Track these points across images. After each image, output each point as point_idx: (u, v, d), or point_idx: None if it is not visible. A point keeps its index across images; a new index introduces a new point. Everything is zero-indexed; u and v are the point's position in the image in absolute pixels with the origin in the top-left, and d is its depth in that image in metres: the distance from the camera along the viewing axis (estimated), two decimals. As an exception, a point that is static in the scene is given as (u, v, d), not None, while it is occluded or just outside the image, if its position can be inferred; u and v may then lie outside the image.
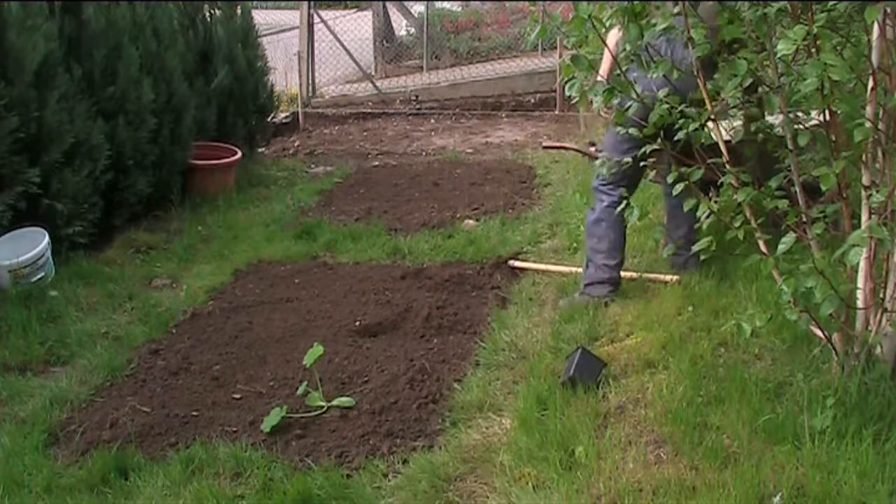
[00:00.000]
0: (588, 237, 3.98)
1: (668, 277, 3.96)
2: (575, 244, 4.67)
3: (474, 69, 11.73)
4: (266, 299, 4.42)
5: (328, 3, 13.95)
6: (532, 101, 10.33)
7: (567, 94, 2.80)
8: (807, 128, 2.66)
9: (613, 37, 3.25)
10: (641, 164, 3.32)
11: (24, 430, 3.13)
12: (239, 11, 7.41)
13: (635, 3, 2.61)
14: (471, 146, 8.43)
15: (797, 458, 2.42)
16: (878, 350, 2.66)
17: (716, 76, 2.81)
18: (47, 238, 4.59)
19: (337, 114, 10.06)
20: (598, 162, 3.15)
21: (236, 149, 6.67)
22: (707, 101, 2.70)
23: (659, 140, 2.84)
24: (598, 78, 3.46)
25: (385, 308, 4.11)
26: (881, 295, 2.63)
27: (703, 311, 3.48)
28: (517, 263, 4.52)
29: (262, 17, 9.28)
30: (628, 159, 3.25)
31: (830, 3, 2.63)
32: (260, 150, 7.93)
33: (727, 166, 2.71)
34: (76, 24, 5.21)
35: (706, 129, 2.74)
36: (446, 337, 3.77)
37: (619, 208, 3.41)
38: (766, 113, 2.86)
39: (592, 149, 6.12)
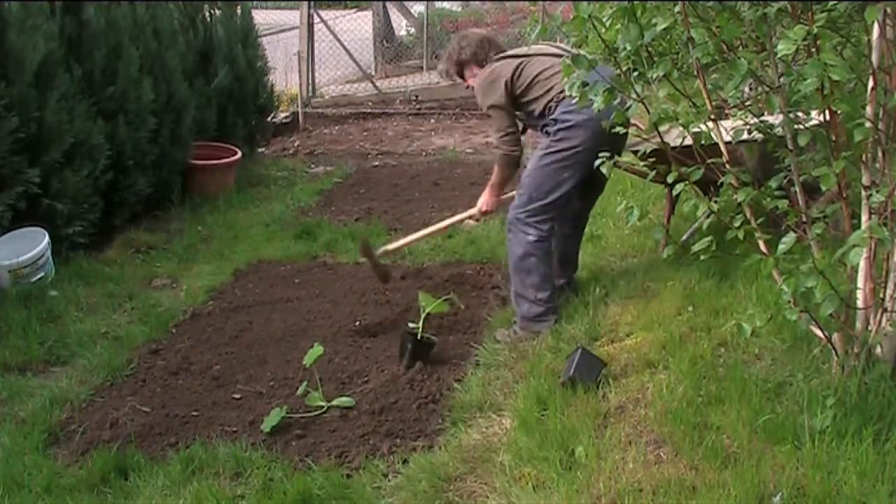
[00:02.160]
0: (515, 273, 3.75)
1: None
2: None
3: (474, 69, 11.72)
4: (266, 299, 4.42)
5: (328, 3, 13.96)
6: (532, 100, 10.32)
7: (567, 93, 2.79)
8: (807, 128, 2.66)
9: None
10: (646, 166, 3.31)
11: (24, 430, 3.13)
12: (239, 11, 7.42)
13: (635, 3, 2.61)
14: (471, 146, 8.43)
15: (797, 458, 2.42)
16: (878, 350, 2.65)
17: (715, 76, 2.81)
18: (47, 238, 4.59)
19: (337, 114, 10.07)
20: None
21: (236, 149, 6.67)
22: (707, 101, 2.70)
23: (659, 140, 2.84)
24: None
25: (385, 308, 4.11)
26: (881, 295, 2.63)
27: (703, 311, 3.48)
28: None
29: (262, 17, 9.28)
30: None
31: (830, 3, 2.63)
32: (260, 150, 7.93)
33: (727, 166, 2.71)
34: (76, 24, 5.21)
35: (706, 129, 2.73)
36: (446, 337, 3.77)
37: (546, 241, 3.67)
38: (766, 113, 2.86)
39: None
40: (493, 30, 13.29)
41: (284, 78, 9.85)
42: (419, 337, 3.51)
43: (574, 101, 3.39)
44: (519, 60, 3.77)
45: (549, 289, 3.72)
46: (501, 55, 3.88)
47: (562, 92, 3.53)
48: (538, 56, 3.77)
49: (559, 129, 3.62)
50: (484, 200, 4.10)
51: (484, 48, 3.95)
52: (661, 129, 2.76)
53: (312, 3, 10.22)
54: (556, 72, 3.64)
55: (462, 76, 4.06)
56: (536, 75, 3.70)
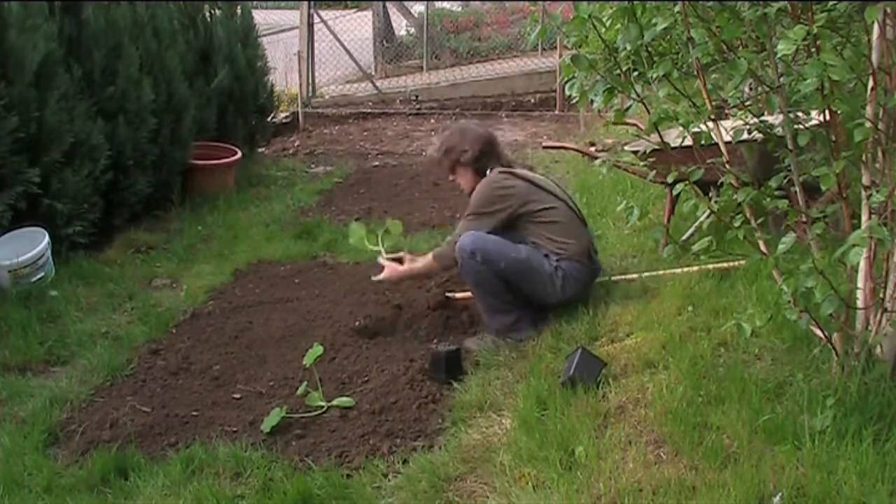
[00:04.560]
0: (486, 294, 3.71)
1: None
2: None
3: (474, 69, 11.75)
4: (266, 299, 4.43)
5: (328, 3, 13.97)
6: (532, 101, 10.36)
7: (567, 93, 2.79)
8: (807, 128, 2.66)
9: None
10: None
11: (24, 430, 3.13)
12: (239, 11, 7.42)
13: (635, 3, 2.61)
14: (471, 146, 8.42)
15: (797, 458, 2.42)
16: (878, 350, 2.65)
17: (715, 76, 2.81)
18: (47, 238, 4.59)
19: (337, 114, 10.08)
20: (597, 162, 3.15)
21: (236, 149, 6.67)
22: (707, 101, 2.70)
23: (659, 140, 2.84)
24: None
25: (385, 308, 4.10)
26: (881, 295, 2.62)
27: (703, 311, 3.48)
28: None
29: (262, 17, 9.29)
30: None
31: (830, 3, 2.63)
32: (260, 150, 7.93)
33: (727, 166, 2.71)
34: (76, 24, 5.21)
35: (706, 129, 2.74)
36: (447, 336, 3.77)
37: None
38: (766, 113, 2.87)
39: (592, 149, 6.14)
40: (493, 30, 13.32)
41: (284, 78, 9.86)
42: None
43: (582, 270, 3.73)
44: (540, 195, 3.75)
45: (510, 301, 3.69)
46: (514, 174, 3.82)
47: (577, 255, 3.71)
48: (560, 203, 3.78)
49: (565, 276, 3.69)
50: (396, 273, 3.90)
51: (486, 156, 3.87)
52: (661, 128, 2.76)
53: (312, 3, 10.24)
54: (576, 233, 3.76)
55: (453, 171, 3.97)
56: (557, 222, 3.73)
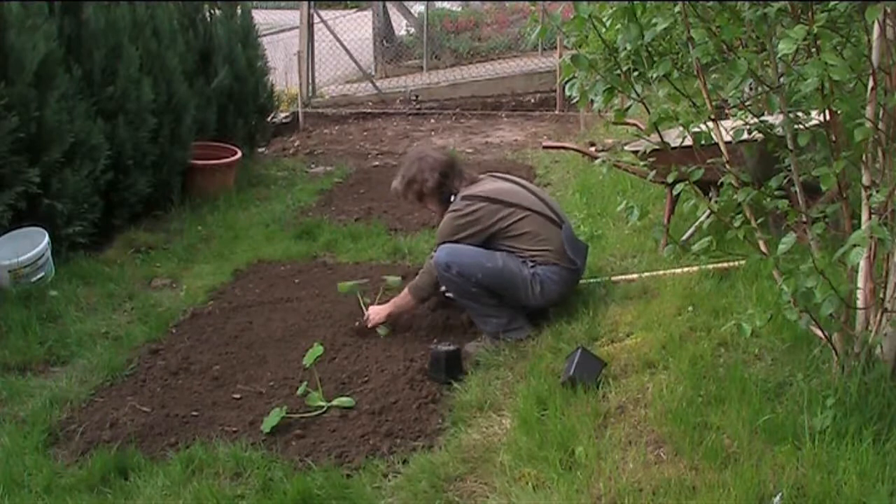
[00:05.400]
0: (466, 303, 3.75)
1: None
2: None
3: (474, 69, 11.75)
4: (266, 299, 4.43)
5: (328, 3, 13.97)
6: (532, 101, 10.36)
7: (567, 93, 2.79)
8: (807, 128, 2.66)
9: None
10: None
11: (24, 430, 3.13)
12: (239, 11, 7.42)
13: (635, 3, 2.61)
14: (471, 146, 8.44)
15: (797, 458, 2.42)
16: (878, 350, 2.65)
17: (715, 76, 2.81)
18: (47, 238, 4.59)
19: (337, 114, 10.08)
20: (597, 162, 3.15)
21: (236, 149, 6.67)
22: (707, 101, 2.70)
23: (659, 140, 2.84)
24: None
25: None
26: (881, 295, 2.62)
27: (703, 311, 3.48)
28: None
29: (262, 17, 9.28)
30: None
31: (830, 3, 2.63)
32: (260, 150, 7.93)
33: (727, 166, 2.71)
34: (76, 24, 5.21)
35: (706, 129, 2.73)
36: (447, 336, 3.77)
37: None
38: (766, 113, 2.87)
39: (592, 149, 6.13)
40: (493, 30, 13.32)
41: (284, 78, 9.86)
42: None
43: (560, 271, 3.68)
44: (507, 211, 3.70)
45: (500, 301, 3.69)
46: (477, 196, 3.75)
47: (552, 258, 3.67)
48: (528, 212, 3.72)
49: (542, 282, 3.67)
50: (378, 312, 3.87)
51: (448, 180, 3.85)
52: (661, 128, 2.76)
53: (312, 3, 10.23)
54: (547, 237, 3.71)
55: (420, 201, 3.98)
56: (527, 232, 3.70)
